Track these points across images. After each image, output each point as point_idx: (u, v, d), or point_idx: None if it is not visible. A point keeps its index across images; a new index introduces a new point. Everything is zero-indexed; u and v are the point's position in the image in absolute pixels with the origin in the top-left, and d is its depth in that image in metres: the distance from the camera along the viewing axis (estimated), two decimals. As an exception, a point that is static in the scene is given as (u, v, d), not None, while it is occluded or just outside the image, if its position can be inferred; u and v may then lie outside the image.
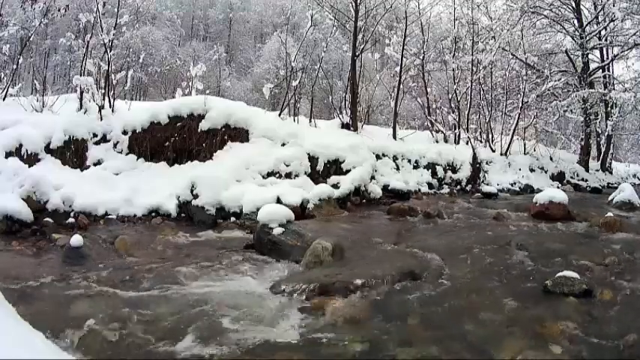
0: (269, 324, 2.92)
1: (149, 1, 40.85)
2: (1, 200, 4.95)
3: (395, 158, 9.56)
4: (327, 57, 12.17)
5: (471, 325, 2.94)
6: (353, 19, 11.09)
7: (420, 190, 9.26)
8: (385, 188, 8.30)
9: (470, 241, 5.03)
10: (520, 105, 13.04)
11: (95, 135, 6.93)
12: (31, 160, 6.08)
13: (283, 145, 7.77)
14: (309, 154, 7.77)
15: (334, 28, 12.44)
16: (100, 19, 7.71)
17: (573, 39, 14.95)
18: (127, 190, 6.18)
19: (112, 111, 7.39)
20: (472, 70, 13.24)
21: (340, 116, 10.89)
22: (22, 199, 5.14)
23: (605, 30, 14.52)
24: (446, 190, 9.94)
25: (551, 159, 13.94)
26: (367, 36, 11.93)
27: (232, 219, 6.11)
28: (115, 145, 7.02)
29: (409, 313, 3.15)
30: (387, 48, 12.99)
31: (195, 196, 6.20)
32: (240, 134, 7.71)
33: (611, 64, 15.56)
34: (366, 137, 9.76)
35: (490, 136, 13.59)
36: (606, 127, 15.18)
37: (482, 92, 14.22)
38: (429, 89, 13.90)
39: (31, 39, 8.94)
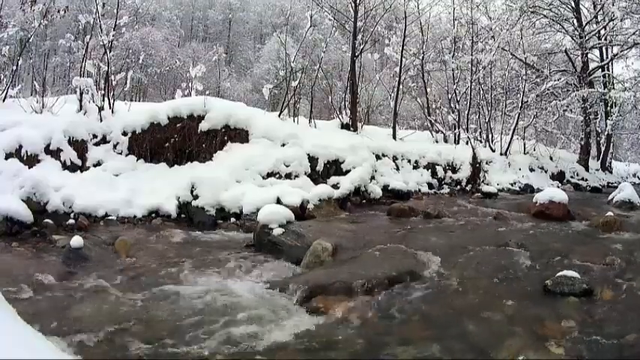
0: (269, 324, 2.92)
1: (148, 2, 40.93)
2: (1, 201, 4.94)
3: (395, 158, 9.54)
4: (326, 57, 12.11)
5: (471, 324, 2.94)
6: (352, 20, 11.09)
7: (420, 190, 9.24)
8: (385, 188, 8.29)
9: (470, 241, 5.02)
10: (520, 105, 13.00)
11: (95, 136, 6.92)
12: (31, 161, 6.08)
13: (283, 145, 7.77)
14: (308, 154, 7.77)
15: (334, 28, 12.41)
16: (100, 20, 7.70)
17: (573, 38, 14.96)
18: (126, 191, 6.18)
19: (112, 112, 7.39)
20: (472, 70, 13.21)
21: (340, 116, 10.89)
22: (22, 200, 5.13)
23: (605, 29, 14.51)
24: (446, 190, 9.92)
25: (551, 158, 13.93)
26: (367, 36, 11.92)
27: (232, 220, 6.12)
28: (114, 146, 7.01)
29: (409, 313, 3.15)
30: (386, 48, 12.95)
31: (195, 197, 6.21)
32: (239, 135, 7.72)
33: (610, 64, 15.55)
34: (365, 137, 9.75)
35: (490, 135, 13.55)
36: (606, 126, 15.18)
37: (481, 92, 14.17)
38: (428, 89, 13.85)
39: (30, 40, 8.92)
